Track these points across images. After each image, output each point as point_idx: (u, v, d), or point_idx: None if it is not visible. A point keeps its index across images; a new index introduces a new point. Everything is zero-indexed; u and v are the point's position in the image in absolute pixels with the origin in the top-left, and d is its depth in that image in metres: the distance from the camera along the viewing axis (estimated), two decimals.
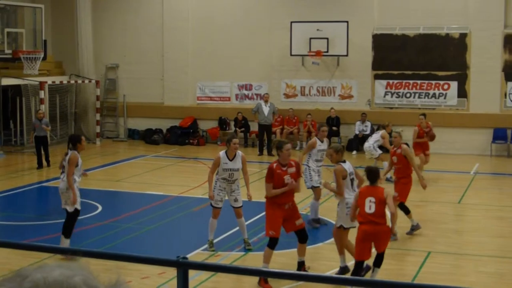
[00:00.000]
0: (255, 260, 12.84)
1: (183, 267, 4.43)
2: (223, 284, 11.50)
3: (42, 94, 26.61)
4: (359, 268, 10.93)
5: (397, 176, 14.83)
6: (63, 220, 13.31)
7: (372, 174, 11.22)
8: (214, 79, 29.36)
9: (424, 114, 21.63)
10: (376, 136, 20.65)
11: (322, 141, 15.35)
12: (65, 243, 12.70)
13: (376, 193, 10.89)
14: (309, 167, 15.19)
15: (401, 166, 14.64)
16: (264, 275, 6.52)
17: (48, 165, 23.25)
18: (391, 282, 6.51)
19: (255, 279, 10.95)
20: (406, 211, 14.72)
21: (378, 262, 11.14)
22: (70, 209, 12.86)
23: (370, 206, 10.81)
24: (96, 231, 15.17)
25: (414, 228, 14.77)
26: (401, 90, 27.14)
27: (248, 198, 13.53)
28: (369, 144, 20.50)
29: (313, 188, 15.20)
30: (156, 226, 15.85)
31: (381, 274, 11.78)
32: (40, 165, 23.06)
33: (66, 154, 13.04)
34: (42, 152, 23.15)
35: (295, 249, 12.10)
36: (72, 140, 13.22)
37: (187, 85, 29.76)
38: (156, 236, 15.13)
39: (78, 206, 12.92)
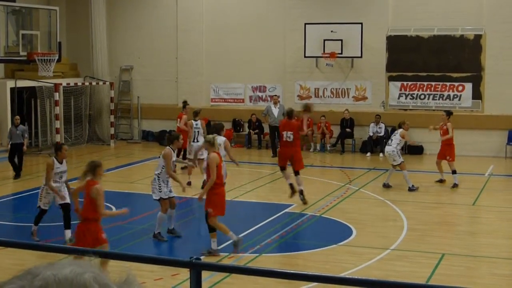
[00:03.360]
0: (269, 261, 12.85)
1: (197, 268, 4.43)
2: (236, 286, 11.50)
3: (56, 96, 26.72)
4: None
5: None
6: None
7: None
8: (228, 80, 29.37)
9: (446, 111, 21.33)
10: (397, 138, 19.97)
11: None
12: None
13: None
14: (159, 177, 14.58)
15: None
16: (277, 277, 6.51)
17: (18, 175, 21.87)
18: (405, 283, 6.49)
19: (268, 280, 10.93)
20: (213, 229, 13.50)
21: None
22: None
23: None
24: (110, 233, 15.18)
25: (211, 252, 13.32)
26: (416, 92, 27.05)
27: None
28: (393, 148, 19.76)
29: (161, 200, 14.57)
30: None
31: (395, 276, 11.76)
32: (18, 175, 21.74)
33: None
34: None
35: (310, 251, 12.10)
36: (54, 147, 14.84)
37: (201, 86, 29.79)
38: (170, 237, 15.14)
39: (42, 206, 14.39)
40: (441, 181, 20.81)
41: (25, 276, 1.45)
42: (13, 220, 16.64)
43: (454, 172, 20.25)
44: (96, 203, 11.15)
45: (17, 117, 22.49)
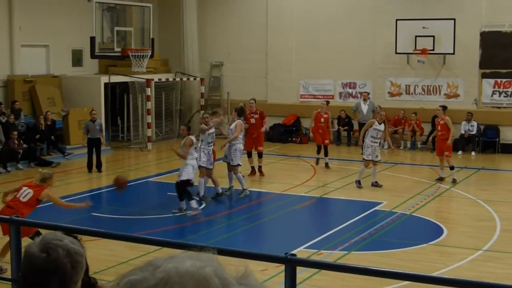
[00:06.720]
0: (358, 259, 12.77)
1: (292, 264, 4.44)
2: (325, 282, 11.46)
3: (148, 91, 27.17)
4: None
5: None
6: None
7: None
8: (317, 77, 29.30)
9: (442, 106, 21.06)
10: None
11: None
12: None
13: None
14: (200, 148, 17.36)
15: None
16: (371, 274, 6.47)
17: (99, 170, 22.08)
18: (500, 285, 6.37)
19: (357, 278, 10.86)
20: None
21: None
22: None
23: None
24: (201, 226, 15.41)
25: None
26: (510, 89, 26.36)
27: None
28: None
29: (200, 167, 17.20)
30: (259, 223, 15.98)
31: (487, 277, 11.51)
32: (90, 169, 21.96)
33: None
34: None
35: (399, 249, 11.98)
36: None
37: (291, 82, 29.80)
38: (258, 233, 15.25)
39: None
40: (441, 179, 20.29)
41: (146, 268, 1.48)
42: (107, 212, 17.02)
43: (452, 168, 20.08)
44: None
45: (94, 111, 22.64)
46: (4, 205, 12.15)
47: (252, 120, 21.15)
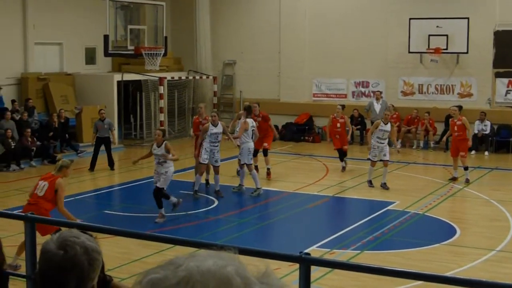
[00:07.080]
0: (371, 259, 12.75)
1: (306, 263, 4.43)
2: (337, 282, 11.45)
3: (161, 89, 27.23)
4: None
5: None
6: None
7: None
8: (330, 76, 29.25)
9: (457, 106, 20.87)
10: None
11: (215, 125, 17.95)
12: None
13: None
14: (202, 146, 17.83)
15: None
16: (384, 274, 6.43)
17: (112, 168, 22.21)
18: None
19: (370, 278, 10.84)
20: None
21: None
22: None
23: None
24: (212, 225, 15.43)
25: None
26: None
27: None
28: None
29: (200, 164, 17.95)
30: (271, 222, 15.96)
31: (501, 278, 11.46)
32: (92, 168, 21.89)
33: None
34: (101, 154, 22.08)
35: (412, 249, 11.95)
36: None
37: (303, 81, 29.77)
38: (270, 232, 15.24)
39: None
40: (454, 179, 20.20)
41: (167, 266, 1.48)
42: (119, 209, 17.07)
43: (466, 168, 19.98)
44: None
45: (103, 110, 22.69)
46: (26, 202, 12.17)
47: (256, 123, 20.89)
